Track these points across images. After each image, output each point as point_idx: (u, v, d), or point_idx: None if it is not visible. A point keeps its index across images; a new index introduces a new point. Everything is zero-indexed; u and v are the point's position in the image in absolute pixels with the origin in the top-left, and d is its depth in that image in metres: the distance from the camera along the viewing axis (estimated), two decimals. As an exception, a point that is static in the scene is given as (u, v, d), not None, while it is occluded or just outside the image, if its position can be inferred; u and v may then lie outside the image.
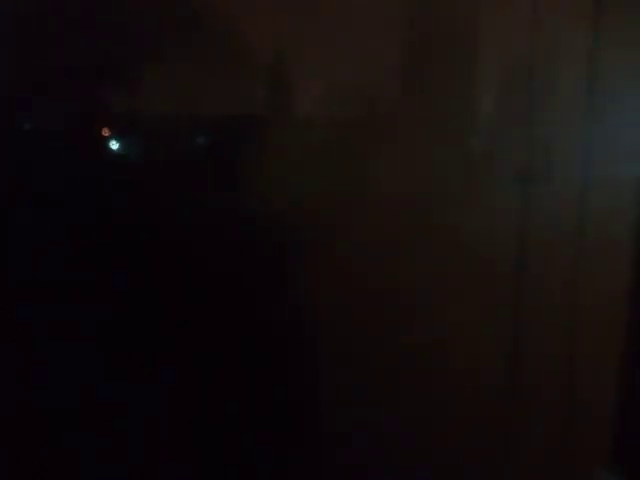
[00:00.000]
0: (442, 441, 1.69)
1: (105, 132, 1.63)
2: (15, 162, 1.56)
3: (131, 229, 1.58)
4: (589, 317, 1.57)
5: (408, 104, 1.70)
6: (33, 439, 1.55)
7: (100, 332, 1.56)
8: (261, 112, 1.68)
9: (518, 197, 1.61)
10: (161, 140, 1.66)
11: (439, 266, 1.67)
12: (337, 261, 1.65)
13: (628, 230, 1.50)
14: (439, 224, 1.65)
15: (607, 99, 1.50)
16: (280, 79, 1.66)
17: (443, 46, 1.69)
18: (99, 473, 1.57)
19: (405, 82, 1.71)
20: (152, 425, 1.60)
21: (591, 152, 1.52)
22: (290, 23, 1.57)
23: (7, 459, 1.52)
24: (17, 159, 1.56)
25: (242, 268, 1.64)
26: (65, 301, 1.54)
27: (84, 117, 1.62)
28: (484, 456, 1.70)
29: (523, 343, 1.66)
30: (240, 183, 1.64)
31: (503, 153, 1.66)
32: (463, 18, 1.69)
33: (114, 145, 1.65)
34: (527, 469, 1.68)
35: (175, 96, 1.63)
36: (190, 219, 1.59)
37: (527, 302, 1.64)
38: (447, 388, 1.69)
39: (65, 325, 1.54)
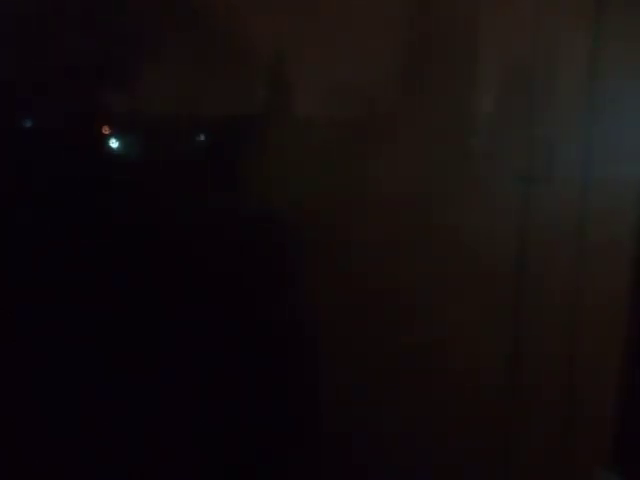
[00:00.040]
0: (442, 441, 1.69)
1: (105, 131, 1.63)
2: (11, 162, 1.55)
3: (130, 229, 1.58)
4: (589, 317, 1.57)
5: (408, 104, 1.70)
6: (33, 439, 1.55)
7: (101, 332, 1.56)
8: (261, 112, 1.68)
9: (518, 197, 1.61)
10: (160, 140, 1.66)
11: (439, 266, 1.67)
12: (337, 261, 1.65)
13: (629, 230, 1.50)
14: (439, 224, 1.65)
15: (608, 99, 1.50)
16: (280, 79, 1.66)
17: (443, 46, 1.69)
18: (99, 473, 1.58)
19: (405, 82, 1.71)
20: (152, 425, 1.61)
21: (592, 152, 1.52)
22: (290, 23, 1.57)
23: (7, 459, 1.52)
24: (13, 159, 1.56)
25: (241, 268, 1.64)
26: (66, 300, 1.54)
27: (82, 117, 1.61)
28: (484, 456, 1.70)
29: (523, 343, 1.66)
30: (240, 183, 1.64)
31: (503, 153, 1.65)
32: (463, 18, 1.69)
33: (113, 145, 1.64)
34: (527, 469, 1.69)
35: (174, 96, 1.62)
36: (190, 219, 1.59)
37: (527, 302, 1.64)
38: (447, 388, 1.69)
39: (65, 325, 1.54)
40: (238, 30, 1.62)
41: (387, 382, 1.70)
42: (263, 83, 1.67)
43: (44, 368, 1.54)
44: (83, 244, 1.55)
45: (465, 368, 1.67)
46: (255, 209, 1.61)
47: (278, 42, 1.62)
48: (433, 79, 1.69)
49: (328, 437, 1.71)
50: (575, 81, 1.53)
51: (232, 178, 1.64)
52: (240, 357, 1.65)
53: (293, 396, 1.71)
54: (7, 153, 1.56)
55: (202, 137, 1.70)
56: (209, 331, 1.62)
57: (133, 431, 1.59)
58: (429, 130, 1.67)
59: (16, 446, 1.54)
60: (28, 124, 1.62)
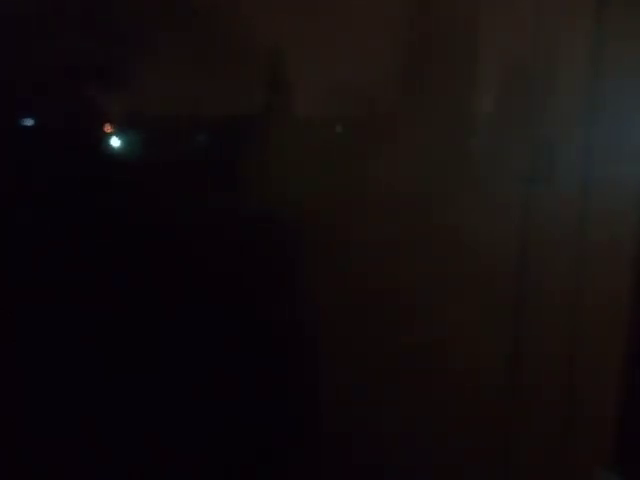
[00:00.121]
0: (442, 441, 1.69)
1: (105, 131, 1.63)
2: (10, 162, 1.55)
3: (130, 229, 1.58)
4: (589, 317, 1.57)
5: (408, 104, 1.70)
6: (33, 439, 1.55)
7: (101, 331, 1.56)
8: (261, 112, 1.68)
9: (518, 197, 1.61)
10: (160, 140, 1.66)
11: (439, 266, 1.67)
12: (337, 261, 1.65)
13: (629, 230, 1.50)
14: (439, 224, 1.65)
15: (608, 99, 1.50)
16: (280, 79, 1.65)
17: (443, 46, 1.68)
18: (99, 473, 1.57)
19: (405, 82, 1.71)
20: (152, 424, 1.61)
21: (592, 152, 1.52)
22: (290, 23, 1.57)
23: (7, 459, 1.52)
24: (12, 158, 1.56)
25: (241, 268, 1.64)
26: (67, 300, 1.54)
27: (82, 117, 1.61)
28: (484, 456, 1.70)
29: (523, 343, 1.66)
30: (240, 183, 1.63)
31: (503, 153, 1.65)
32: (463, 18, 1.69)
33: (112, 145, 1.64)
34: (527, 469, 1.69)
35: (175, 96, 1.62)
36: (190, 219, 1.59)
37: (527, 302, 1.64)
38: (447, 388, 1.69)
39: (66, 325, 1.54)
40: (238, 30, 1.62)
41: (387, 382, 1.70)
42: (263, 83, 1.67)
43: (44, 368, 1.54)
44: (83, 244, 1.55)
45: (465, 368, 1.67)
46: (255, 209, 1.61)
47: (278, 42, 1.62)
48: (433, 79, 1.69)
49: (328, 437, 1.71)
50: (575, 81, 1.53)
51: (232, 178, 1.64)
52: (240, 357, 1.65)
53: (293, 396, 1.71)
54: (7, 153, 1.56)
55: (202, 137, 1.70)
56: (209, 331, 1.62)
57: (133, 431, 1.59)
58: (429, 130, 1.67)
59: (16, 446, 1.53)
60: (28, 124, 1.61)
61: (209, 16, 1.61)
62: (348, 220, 1.63)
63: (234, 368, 1.64)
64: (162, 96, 1.61)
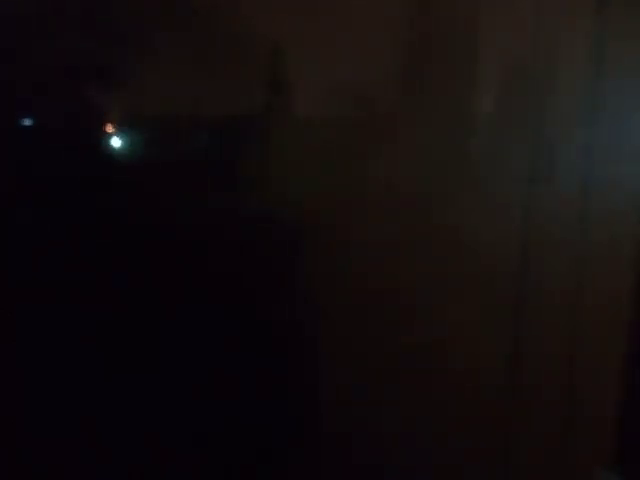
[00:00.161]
0: (442, 441, 1.69)
1: (104, 131, 1.63)
2: (10, 161, 1.55)
3: (130, 229, 1.58)
4: (589, 317, 1.57)
5: (408, 104, 1.70)
6: (33, 439, 1.55)
7: (101, 332, 1.56)
8: (261, 112, 1.68)
9: (519, 197, 1.61)
10: (160, 140, 1.65)
11: (439, 266, 1.67)
12: (337, 261, 1.65)
13: (629, 230, 1.50)
14: (439, 224, 1.65)
15: (608, 99, 1.51)
16: (280, 79, 1.65)
17: (443, 46, 1.68)
18: (99, 473, 1.58)
19: (405, 82, 1.71)
20: (152, 424, 1.61)
21: (592, 152, 1.52)
22: (290, 23, 1.56)
23: (7, 459, 1.52)
24: (13, 158, 1.56)
25: (241, 268, 1.64)
26: (67, 300, 1.54)
27: (81, 117, 1.61)
28: (484, 456, 1.70)
29: (523, 343, 1.66)
30: (240, 183, 1.63)
31: (503, 153, 1.65)
32: (463, 18, 1.69)
33: (112, 145, 1.64)
34: (527, 469, 1.69)
35: (174, 96, 1.62)
36: (190, 219, 1.59)
37: (527, 302, 1.64)
38: (447, 388, 1.69)
39: (66, 325, 1.54)
40: (238, 30, 1.62)
41: (387, 382, 1.70)
42: (263, 83, 1.67)
43: (44, 368, 1.54)
44: (83, 244, 1.55)
45: (465, 368, 1.67)
46: (255, 209, 1.61)
47: (278, 42, 1.62)
48: (433, 79, 1.69)
49: (328, 437, 1.71)
50: (575, 81, 1.53)
51: (232, 178, 1.64)
52: (239, 357, 1.65)
53: (293, 396, 1.71)
54: (7, 153, 1.56)
55: (202, 137, 1.70)
56: (209, 331, 1.62)
57: (133, 431, 1.59)
58: (429, 130, 1.67)
59: (16, 446, 1.53)
60: (28, 124, 1.61)
61: (209, 16, 1.61)
62: (348, 220, 1.63)
63: (234, 368, 1.64)
64: (162, 96, 1.61)
